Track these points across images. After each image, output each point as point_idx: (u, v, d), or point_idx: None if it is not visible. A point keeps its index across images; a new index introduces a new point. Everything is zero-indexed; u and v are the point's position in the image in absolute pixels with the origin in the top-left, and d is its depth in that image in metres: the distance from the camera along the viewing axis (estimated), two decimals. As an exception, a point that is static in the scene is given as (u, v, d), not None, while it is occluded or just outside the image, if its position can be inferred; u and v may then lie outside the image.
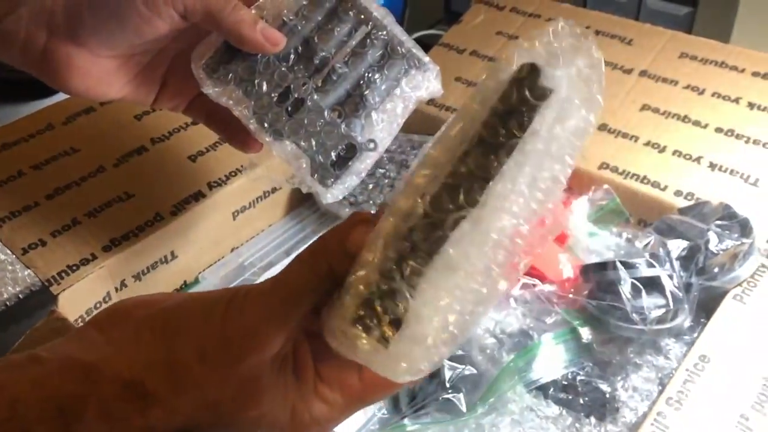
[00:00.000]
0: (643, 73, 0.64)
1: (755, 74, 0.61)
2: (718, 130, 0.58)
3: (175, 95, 0.49)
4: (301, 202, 0.64)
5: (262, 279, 0.57)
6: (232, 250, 0.60)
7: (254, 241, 0.61)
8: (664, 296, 0.44)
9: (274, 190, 0.62)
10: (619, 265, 0.44)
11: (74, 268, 0.50)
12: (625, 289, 0.44)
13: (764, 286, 0.47)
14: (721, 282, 0.46)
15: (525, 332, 0.46)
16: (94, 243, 0.52)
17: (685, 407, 0.40)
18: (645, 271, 0.44)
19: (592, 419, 0.42)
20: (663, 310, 0.43)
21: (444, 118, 0.66)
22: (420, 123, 0.68)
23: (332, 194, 0.44)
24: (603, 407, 0.42)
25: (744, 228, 0.48)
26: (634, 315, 0.43)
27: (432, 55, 0.71)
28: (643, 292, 0.43)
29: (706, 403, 0.40)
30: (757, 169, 0.55)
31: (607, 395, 0.43)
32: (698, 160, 0.56)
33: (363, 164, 0.44)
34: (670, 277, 0.44)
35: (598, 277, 0.46)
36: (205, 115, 0.50)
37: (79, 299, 0.50)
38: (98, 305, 0.51)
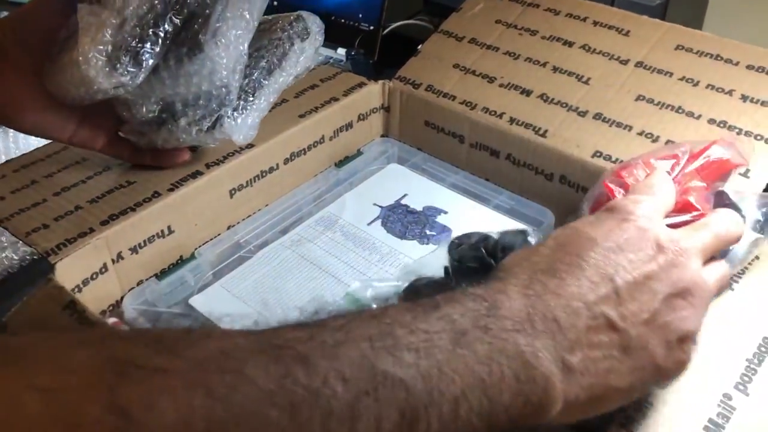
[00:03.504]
0: (639, 65, 0.64)
1: (749, 67, 0.62)
2: (711, 121, 0.59)
3: (93, 132, 0.53)
4: (298, 183, 0.65)
5: (256, 257, 0.58)
6: (229, 228, 0.61)
7: (250, 220, 0.61)
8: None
9: (271, 169, 0.62)
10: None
11: (72, 240, 0.51)
12: None
13: (752, 275, 0.48)
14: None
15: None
16: (93, 220, 0.53)
17: (669, 386, 0.41)
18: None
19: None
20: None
21: (443, 105, 0.67)
22: (420, 108, 0.69)
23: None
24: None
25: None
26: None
27: (431, 42, 0.72)
28: None
29: (688, 383, 0.41)
30: (749, 160, 0.55)
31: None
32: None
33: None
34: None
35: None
36: (128, 151, 0.54)
37: (76, 269, 0.50)
38: (95, 276, 0.52)
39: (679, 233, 0.39)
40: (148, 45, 0.48)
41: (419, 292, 0.45)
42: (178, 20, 0.48)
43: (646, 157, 0.49)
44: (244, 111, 0.54)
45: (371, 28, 0.93)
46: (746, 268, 0.48)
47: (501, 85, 0.66)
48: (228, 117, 0.52)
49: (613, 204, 0.40)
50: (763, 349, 0.43)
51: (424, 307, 0.31)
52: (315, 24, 0.59)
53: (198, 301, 0.54)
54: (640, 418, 0.39)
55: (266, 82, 0.55)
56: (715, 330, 0.44)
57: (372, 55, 0.93)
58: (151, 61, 0.48)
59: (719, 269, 0.41)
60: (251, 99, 0.54)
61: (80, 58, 0.46)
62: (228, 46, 0.50)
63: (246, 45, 0.51)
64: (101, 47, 0.47)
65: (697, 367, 0.41)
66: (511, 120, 0.63)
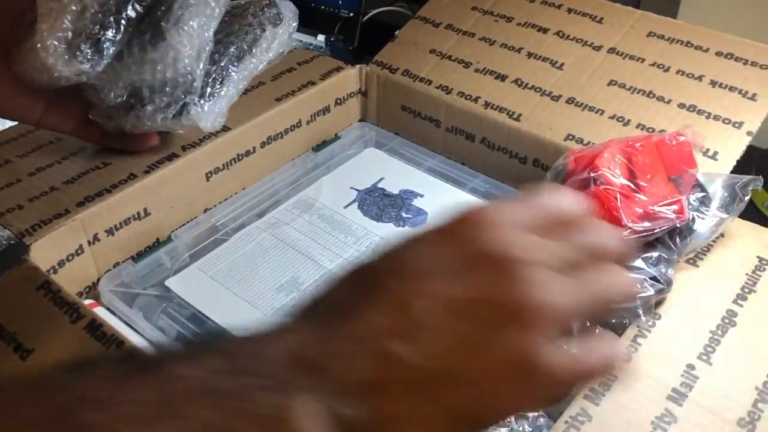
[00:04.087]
0: (611, 50, 0.65)
1: (718, 54, 0.63)
2: (681, 105, 0.60)
3: (62, 114, 0.53)
4: (275, 167, 0.65)
5: (233, 240, 0.58)
6: (205, 211, 0.61)
7: (227, 203, 0.62)
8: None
9: (247, 153, 0.63)
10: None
11: (47, 221, 0.51)
12: None
13: (716, 252, 0.50)
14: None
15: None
16: (69, 201, 0.53)
17: (635, 359, 0.42)
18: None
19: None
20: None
21: (420, 89, 0.67)
22: (396, 93, 0.69)
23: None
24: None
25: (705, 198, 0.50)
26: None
27: (408, 28, 0.73)
28: None
29: (653, 355, 0.42)
30: (717, 143, 0.57)
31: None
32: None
33: None
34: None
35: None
36: (98, 134, 0.54)
37: (51, 250, 0.50)
38: (70, 257, 0.52)
39: (533, 243, 0.27)
40: (109, 32, 0.47)
41: None
42: (141, 7, 0.48)
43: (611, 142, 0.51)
44: (212, 98, 0.54)
45: (351, 14, 0.93)
46: (711, 245, 0.50)
47: (477, 70, 0.67)
48: (194, 104, 0.52)
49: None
50: (726, 320, 0.44)
51: (139, 370, 0.25)
52: (288, 9, 0.59)
53: (174, 283, 0.54)
54: (604, 390, 0.40)
55: (235, 69, 0.55)
56: (680, 303, 0.45)
57: (351, 41, 0.93)
58: (112, 49, 0.48)
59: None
60: (219, 86, 0.54)
61: (39, 45, 0.46)
62: (191, 34, 0.49)
63: (211, 32, 0.52)
64: (61, 34, 0.46)
65: (661, 342, 0.43)
66: (486, 104, 0.64)
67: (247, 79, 0.57)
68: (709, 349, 0.42)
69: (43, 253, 0.50)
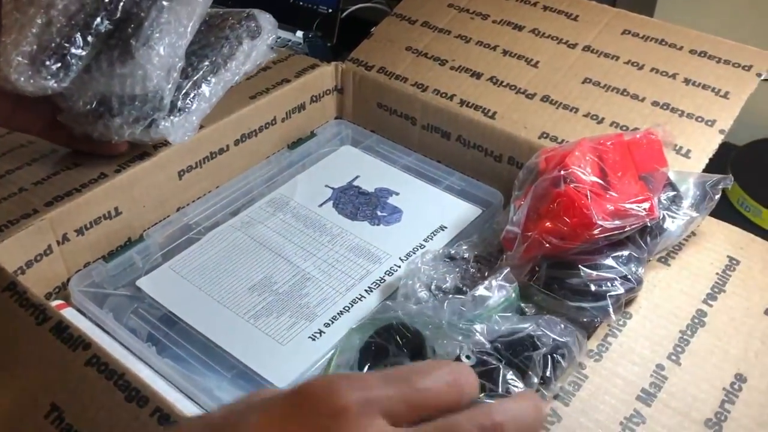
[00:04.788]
0: (586, 48, 0.65)
1: (692, 52, 0.63)
2: (655, 103, 0.60)
3: (30, 116, 0.51)
4: (249, 165, 0.65)
5: (206, 239, 0.58)
6: (178, 210, 0.60)
7: (200, 201, 0.61)
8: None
9: (221, 151, 0.62)
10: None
11: (14, 221, 0.50)
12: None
13: (688, 251, 0.50)
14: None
15: (459, 289, 0.48)
16: (37, 201, 0.52)
17: (605, 359, 0.42)
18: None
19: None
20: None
21: (395, 87, 0.67)
22: (372, 90, 0.69)
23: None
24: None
25: (676, 197, 0.50)
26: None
27: (384, 25, 0.73)
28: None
29: (623, 355, 0.42)
30: (689, 141, 0.57)
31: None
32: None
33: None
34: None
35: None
36: (66, 137, 0.53)
37: (19, 250, 0.50)
38: (39, 258, 0.51)
39: None
40: (76, 48, 0.46)
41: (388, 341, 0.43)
42: (110, 23, 0.47)
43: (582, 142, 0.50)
44: (182, 113, 0.53)
45: (329, 11, 0.93)
46: (682, 244, 0.50)
47: (452, 68, 0.67)
48: (163, 120, 0.52)
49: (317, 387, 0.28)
50: (695, 320, 0.44)
51: None
52: (267, 21, 0.58)
53: (145, 283, 0.54)
54: (574, 390, 0.40)
55: (208, 83, 0.54)
56: (649, 304, 0.45)
57: (330, 38, 0.93)
58: (79, 65, 0.47)
59: None
60: (190, 101, 0.53)
61: (1, 59, 0.45)
62: (161, 54, 0.49)
63: (182, 50, 0.51)
64: (25, 48, 0.45)
65: (631, 342, 0.43)
66: (462, 102, 0.64)
67: (221, 93, 0.56)
68: (679, 349, 0.42)
69: (9, 253, 0.49)
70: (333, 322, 0.51)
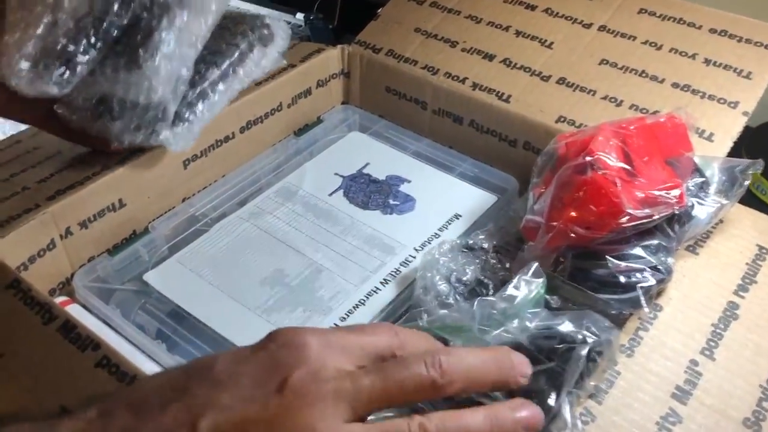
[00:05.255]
0: (602, 28, 0.63)
1: (712, 31, 0.61)
2: (675, 85, 0.58)
3: (27, 104, 0.49)
4: (255, 153, 0.63)
5: (213, 230, 0.56)
6: (184, 200, 0.58)
7: (206, 192, 0.59)
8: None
9: (226, 138, 0.60)
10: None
11: (16, 216, 0.48)
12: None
13: (716, 239, 0.48)
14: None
15: (480, 281, 0.46)
16: (40, 197, 0.50)
17: (637, 354, 0.40)
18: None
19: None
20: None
21: (405, 70, 0.65)
22: (380, 74, 0.67)
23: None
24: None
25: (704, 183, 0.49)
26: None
27: (391, 6, 0.70)
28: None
29: (655, 351, 0.40)
30: (712, 124, 0.55)
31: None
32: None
33: None
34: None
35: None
36: (63, 128, 0.51)
37: (22, 245, 0.48)
38: (42, 253, 0.49)
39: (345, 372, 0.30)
40: (82, 54, 0.43)
41: None
42: (119, 29, 0.45)
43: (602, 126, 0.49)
44: (185, 123, 0.51)
45: (329, -9, 0.90)
46: (710, 232, 0.48)
47: (463, 50, 0.64)
48: (165, 129, 0.49)
49: (282, 330, 0.33)
50: (728, 313, 0.42)
51: None
52: (281, 29, 0.55)
53: (153, 278, 0.52)
54: (607, 387, 0.38)
55: (215, 93, 0.52)
56: (679, 295, 0.43)
57: (331, 19, 0.90)
58: (83, 71, 0.45)
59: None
60: (194, 111, 0.51)
61: (3, 60, 0.43)
62: (169, 69, 0.46)
63: (191, 63, 0.48)
64: (29, 51, 0.42)
65: (663, 336, 0.41)
66: (474, 85, 0.62)
67: (226, 102, 0.54)
68: (712, 343, 0.40)
69: (11, 249, 0.47)
70: (348, 316, 0.49)
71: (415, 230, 0.56)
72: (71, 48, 0.43)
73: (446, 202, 0.59)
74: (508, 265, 0.48)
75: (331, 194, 0.59)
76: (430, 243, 0.55)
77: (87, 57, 0.44)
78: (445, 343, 0.40)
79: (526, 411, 0.32)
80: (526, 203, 0.55)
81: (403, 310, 0.50)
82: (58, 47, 0.43)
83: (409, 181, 0.61)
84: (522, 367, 0.34)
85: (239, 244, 0.55)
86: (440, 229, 0.56)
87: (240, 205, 0.59)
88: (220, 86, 0.52)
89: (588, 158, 0.44)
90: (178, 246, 0.55)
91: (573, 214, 0.44)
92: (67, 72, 0.44)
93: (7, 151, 0.57)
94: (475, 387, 0.32)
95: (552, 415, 0.35)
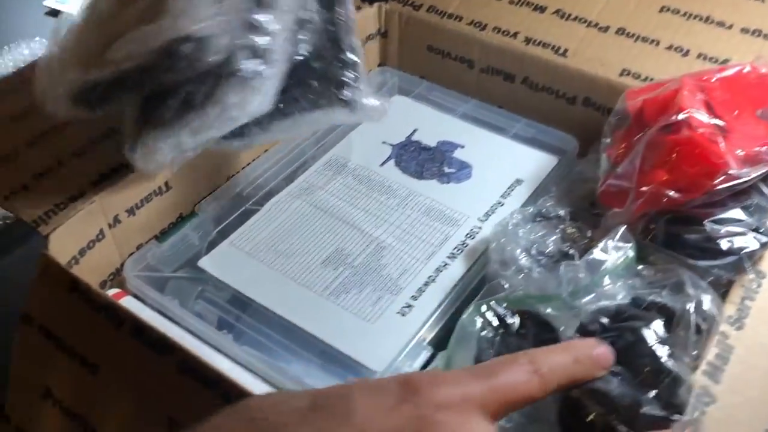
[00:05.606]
0: (658, -28, 0.59)
1: (778, -31, 0.57)
2: (744, 30, 0.55)
3: None
4: (297, 124, 0.59)
5: (264, 210, 0.53)
6: (228, 179, 0.55)
7: (251, 168, 0.56)
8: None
9: (269, 111, 0.56)
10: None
11: (62, 206, 0.45)
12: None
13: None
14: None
15: (564, 253, 0.44)
16: (82, 180, 0.47)
17: (747, 327, 0.38)
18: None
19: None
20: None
21: (449, 27, 0.61)
22: (421, 32, 0.63)
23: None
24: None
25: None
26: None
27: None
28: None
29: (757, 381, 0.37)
30: (787, 71, 0.52)
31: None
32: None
33: None
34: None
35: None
36: None
37: (71, 239, 0.45)
38: (91, 244, 0.46)
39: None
40: (127, 93, 0.42)
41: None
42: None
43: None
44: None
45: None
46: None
47: (511, 2, 0.61)
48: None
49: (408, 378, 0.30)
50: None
51: None
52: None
53: (208, 263, 0.49)
54: (722, 363, 0.36)
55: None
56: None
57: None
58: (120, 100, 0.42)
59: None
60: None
61: (47, 82, 0.41)
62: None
63: None
64: (72, 77, 0.40)
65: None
66: (527, 40, 0.58)
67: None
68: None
69: (61, 243, 0.44)
70: (420, 294, 0.47)
71: (476, 199, 0.53)
72: (116, 89, 0.42)
73: (505, 167, 0.56)
74: (589, 234, 0.45)
75: (382, 165, 0.56)
76: (494, 212, 0.52)
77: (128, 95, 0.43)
78: (536, 316, 0.38)
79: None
80: (591, 165, 0.52)
81: (473, 285, 0.47)
82: (100, 87, 0.42)
83: (463, 147, 0.58)
84: (603, 359, 0.33)
85: (294, 223, 0.52)
86: (502, 197, 0.53)
87: (287, 182, 0.55)
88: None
89: (680, 116, 0.41)
90: (228, 228, 0.52)
91: (665, 177, 0.41)
92: (103, 103, 0.43)
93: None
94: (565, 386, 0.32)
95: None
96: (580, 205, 0.50)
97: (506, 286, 0.43)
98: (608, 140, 0.48)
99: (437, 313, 0.46)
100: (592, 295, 0.38)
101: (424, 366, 0.43)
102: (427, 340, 0.45)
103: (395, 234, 0.51)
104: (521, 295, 0.39)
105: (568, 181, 0.53)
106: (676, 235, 0.42)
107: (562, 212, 0.48)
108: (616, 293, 0.39)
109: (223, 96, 0.40)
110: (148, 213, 0.50)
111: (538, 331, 0.38)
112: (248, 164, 0.56)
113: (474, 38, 0.60)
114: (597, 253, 0.40)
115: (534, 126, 0.59)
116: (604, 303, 0.38)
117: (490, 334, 0.38)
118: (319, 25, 0.45)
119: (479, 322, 0.38)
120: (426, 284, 0.47)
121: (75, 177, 0.47)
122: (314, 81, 0.45)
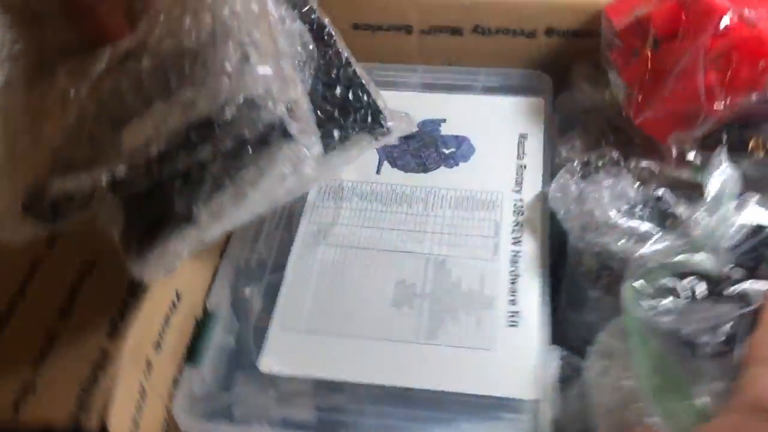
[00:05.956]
0: None
1: None
2: None
3: None
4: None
5: (288, 276, 0.45)
6: (221, 256, 0.46)
7: (238, 238, 0.47)
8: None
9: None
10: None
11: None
12: None
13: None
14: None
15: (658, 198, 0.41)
16: (95, 329, 0.36)
17: None
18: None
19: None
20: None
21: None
22: (342, 10, 0.55)
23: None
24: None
25: None
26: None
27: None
28: None
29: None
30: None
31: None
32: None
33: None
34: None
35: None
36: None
37: (121, 409, 0.34)
38: (139, 406, 0.36)
39: None
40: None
41: None
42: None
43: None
44: None
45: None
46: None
47: (428, -49, 0.55)
48: None
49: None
50: None
51: None
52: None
53: (269, 363, 0.40)
54: None
55: None
56: None
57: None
58: None
59: None
60: None
61: None
62: None
63: None
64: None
65: None
66: (464, -13, 0.53)
67: None
68: None
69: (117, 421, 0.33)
70: (516, 296, 0.42)
71: (495, 171, 0.49)
72: None
73: (500, 127, 0.51)
74: (655, 170, 0.43)
75: (378, 172, 0.50)
76: (523, 179, 0.48)
77: None
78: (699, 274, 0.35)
79: None
80: (586, 95, 0.50)
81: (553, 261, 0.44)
82: None
83: (444, 120, 0.52)
84: None
85: (333, 275, 0.44)
86: (519, 158, 0.49)
87: (290, 232, 0.47)
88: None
89: (726, 18, 0.39)
90: (262, 314, 0.43)
91: (737, 83, 0.39)
92: None
93: None
94: None
95: None
96: (606, 139, 0.47)
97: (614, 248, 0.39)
98: (613, 70, 0.46)
99: (545, 307, 0.41)
100: (731, 228, 0.36)
101: (563, 370, 0.39)
102: (550, 340, 0.40)
103: (443, 241, 0.45)
104: (665, 261, 0.36)
105: (571, 120, 0.50)
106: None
107: (607, 155, 0.45)
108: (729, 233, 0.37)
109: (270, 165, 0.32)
110: (169, 338, 0.40)
111: (711, 287, 0.35)
112: (230, 234, 0.47)
113: (408, 1, 0.53)
114: (711, 187, 0.37)
115: (498, 73, 0.55)
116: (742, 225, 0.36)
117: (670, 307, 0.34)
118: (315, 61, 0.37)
119: (647, 305, 0.35)
120: (513, 281, 0.43)
121: (87, 327, 0.36)
122: (336, 113, 0.37)
